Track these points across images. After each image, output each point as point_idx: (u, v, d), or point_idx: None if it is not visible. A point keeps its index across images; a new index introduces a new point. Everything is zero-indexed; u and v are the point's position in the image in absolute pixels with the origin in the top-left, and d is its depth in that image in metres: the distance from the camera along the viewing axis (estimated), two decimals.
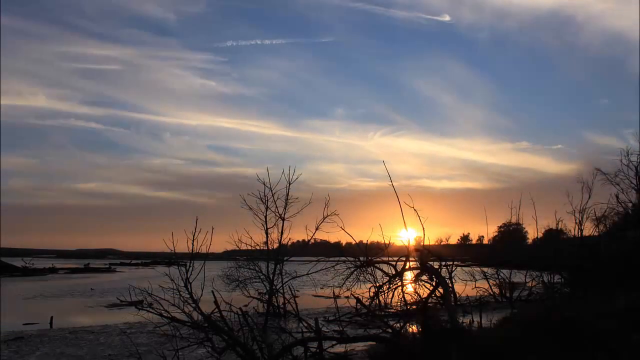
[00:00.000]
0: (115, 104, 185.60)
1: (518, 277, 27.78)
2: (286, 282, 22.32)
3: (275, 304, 22.31)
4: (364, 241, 11.54)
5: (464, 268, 26.65)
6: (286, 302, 22.87)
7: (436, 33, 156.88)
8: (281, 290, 22.38)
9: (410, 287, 11.25)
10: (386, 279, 10.90)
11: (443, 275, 10.75)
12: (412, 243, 11.24)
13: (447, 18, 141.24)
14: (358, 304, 12.28)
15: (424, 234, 11.26)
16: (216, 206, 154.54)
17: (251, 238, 21.44)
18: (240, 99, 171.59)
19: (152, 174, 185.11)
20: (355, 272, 11.25)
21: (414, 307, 10.49)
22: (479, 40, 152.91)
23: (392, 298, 11.01)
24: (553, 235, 29.87)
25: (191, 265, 8.64)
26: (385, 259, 11.56)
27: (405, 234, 11.11)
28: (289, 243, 23.04)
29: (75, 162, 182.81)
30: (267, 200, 20.76)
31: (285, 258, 22.00)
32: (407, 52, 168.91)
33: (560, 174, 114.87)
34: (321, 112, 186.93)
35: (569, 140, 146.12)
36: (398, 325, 9.73)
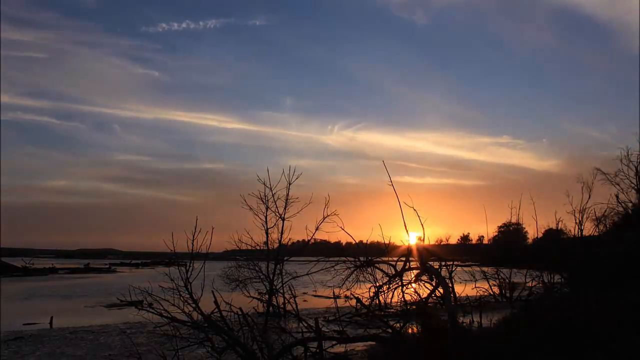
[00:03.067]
0: (58, 96, 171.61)
1: (518, 277, 27.76)
2: (286, 282, 22.32)
3: (275, 304, 22.31)
4: (364, 241, 11.57)
5: (464, 268, 26.63)
6: (286, 302, 22.86)
7: (373, 12, 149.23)
8: (281, 290, 22.37)
9: (411, 287, 11.26)
10: (386, 279, 10.92)
11: (443, 275, 10.77)
12: (413, 243, 11.26)
13: None
14: (358, 304, 12.31)
15: (424, 234, 11.28)
16: (201, 204, 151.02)
17: (251, 238, 21.47)
18: (188, 89, 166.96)
19: (122, 170, 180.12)
20: (355, 272, 11.27)
21: (414, 307, 10.50)
22: (422, 19, 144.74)
23: (392, 298, 11.03)
24: (553, 235, 29.87)
25: (191, 265, 8.65)
26: (385, 259, 11.58)
27: (405, 234, 11.13)
28: (289, 243, 23.06)
29: (36, 159, 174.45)
30: (267, 201, 20.82)
31: (285, 258, 22.01)
32: (344, 34, 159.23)
33: (548, 171, 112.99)
34: (271, 103, 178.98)
35: (552, 134, 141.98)
36: (398, 325, 9.74)
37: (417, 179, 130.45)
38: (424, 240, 11.54)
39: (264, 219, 21.06)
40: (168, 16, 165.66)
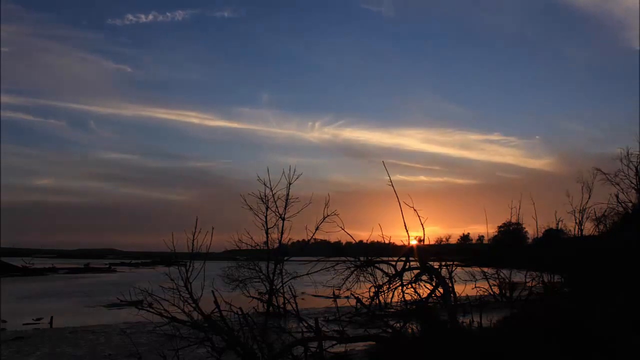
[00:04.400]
0: (29, 92, 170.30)
1: (518, 277, 27.75)
2: (286, 282, 22.32)
3: (275, 304, 22.32)
4: (364, 241, 11.57)
5: (464, 268, 26.63)
6: (286, 302, 22.87)
7: (343, 3, 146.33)
8: (281, 290, 22.38)
9: (411, 287, 11.24)
10: (386, 279, 10.91)
11: (443, 275, 10.76)
12: (413, 243, 11.26)
13: None
14: (358, 304, 12.32)
15: (424, 234, 11.28)
16: (195, 203, 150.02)
17: (251, 238, 21.50)
18: (163, 85, 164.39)
19: (111, 169, 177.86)
20: (355, 272, 11.26)
21: (414, 307, 10.49)
22: (391, 11, 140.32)
23: (392, 298, 11.02)
24: (553, 235, 29.88)
25: (191, 265, 8.65)
26: (385, 258, 11.58)
27: (403, 234, 11.13)
28: (289, 243, 23.09)
29: (16, 157, 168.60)
30: (268, 200, 20.84)
31: (285, 258, 22.02)
32: (314, 25, 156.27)
33: (542, 169, 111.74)
34: (247, 99, 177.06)
35: (545, 131, 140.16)
36: (398, 325, 9.73)
37: (411, 177, 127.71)
38: (424, 240, 11.54)
39: (264, 219, 21.10)
40: (134, 7, 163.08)
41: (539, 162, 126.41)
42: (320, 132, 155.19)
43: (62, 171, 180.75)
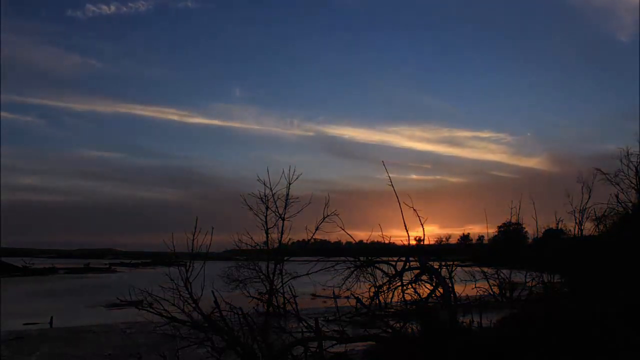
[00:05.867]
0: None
1: (518, 277, 27.75)
2: (286, 282, 22.33)
3: (275, 304, 22.32)
4: (365, 241, 11.59)
5: (464, 268, 26.62)
6: (286, 302, 22.87)
7: None
8: (281, 290, 22.38)
9: (411, 287, 11.25)
10: (386, 279, 10.92)
11: (443, 275, 10.77)
12: (412, 243, 11.27)
13: None
14: (358, 304, 12.33)
15: (424, 234, 11.30)
16: (191, 203, 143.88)
17: (251, 238, 21.50)
18: (136, 80, 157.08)
19: (90, 167, 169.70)
20: (355, 272, 11.27)
21: (414, 307, 10.49)
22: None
23: (392, 298, 11.03)
24: (553, 235, 29.89)
25: (191, 265, 8.66)
26: (385, 259, 11.58)
27: (399, 234, 11.16)
28: (289, 243, 23.10)
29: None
30: (267, 200, 20.85)
31: (285, 258, 22.03)
32: (288, 16, 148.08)
33: (535, 168, 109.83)
34: (220, 94, 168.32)
35: (537, 128, 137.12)
36: (398, 325, 9.73)
37: (401, 175, 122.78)
38: (423, 240, 11.56)
39: (264, 219, 21.11)
40: None
41: (532, 161, 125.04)
42: (300, 128, 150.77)
43: (46, 169, 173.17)
